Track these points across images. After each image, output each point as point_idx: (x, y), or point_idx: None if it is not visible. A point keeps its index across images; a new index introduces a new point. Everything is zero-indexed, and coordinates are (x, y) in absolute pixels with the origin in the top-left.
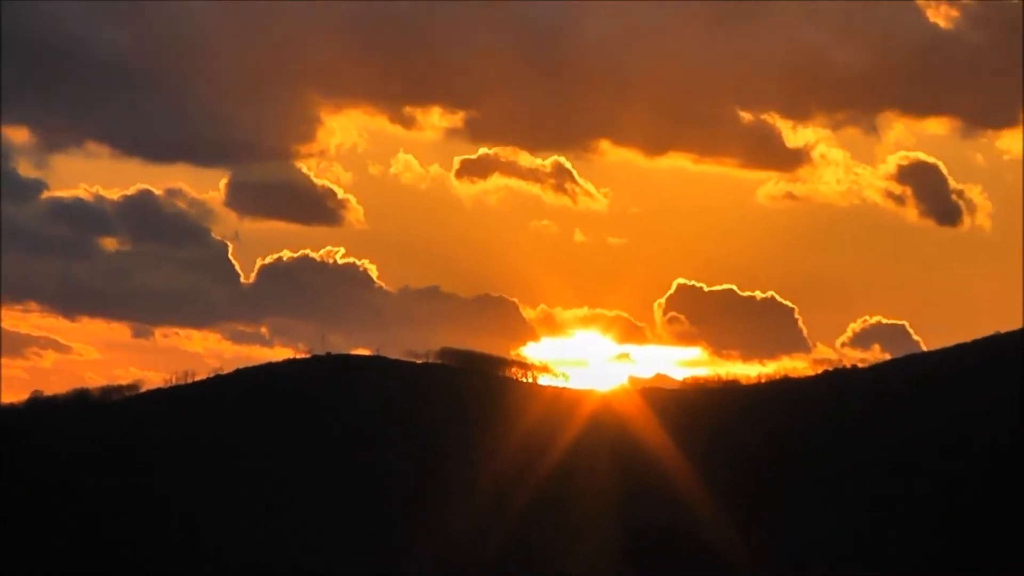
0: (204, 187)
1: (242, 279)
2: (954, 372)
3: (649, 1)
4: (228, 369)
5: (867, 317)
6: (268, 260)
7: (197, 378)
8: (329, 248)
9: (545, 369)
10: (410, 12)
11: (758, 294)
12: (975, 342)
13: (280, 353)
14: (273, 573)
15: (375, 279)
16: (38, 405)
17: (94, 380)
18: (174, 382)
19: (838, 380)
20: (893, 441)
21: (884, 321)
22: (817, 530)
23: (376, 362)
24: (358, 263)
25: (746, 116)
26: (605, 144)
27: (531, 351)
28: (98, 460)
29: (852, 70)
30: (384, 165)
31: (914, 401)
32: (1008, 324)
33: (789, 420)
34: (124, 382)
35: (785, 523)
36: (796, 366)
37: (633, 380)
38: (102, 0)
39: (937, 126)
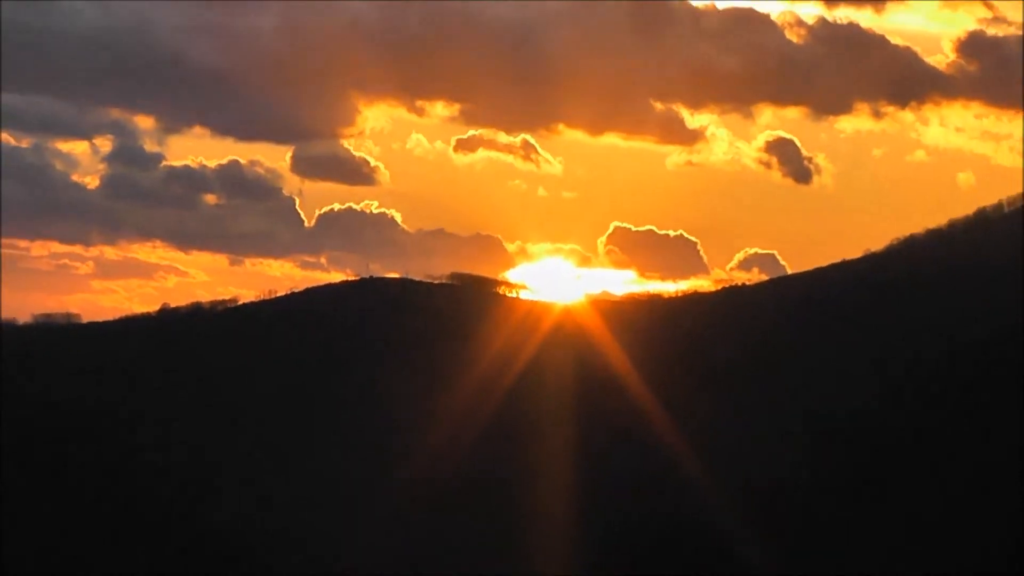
0: (276, 158)
1: (305, 224)
2: (812, 287)
3: (591, 27)
4: (299, 288)
5: (748, 249)
6: (324, 210)
7: (277, 294)
8: (367, 201)
9: (523, 287)
10: (421, 34)
11: (671, 232)
12: (827, 266)
13: (335, 276)
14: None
15: (400, 223)
16: (166, 314)
17: (204, 296)
18: (261, 297)
19: (732, 294)
20: (771, 338)
21: (760, 251)
22: (724, 410)
23: (404, 282)
24: (387, 212)
25: (659, 106)
26: (561, 126)
27: (512, 274)
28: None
29: (734, 73)
30: (403, 142)
31: (784, 308)
32: (849, 254)
33: (698, 323)
34: (226, 297)
35: (692, 403)
36: (701, 284)
37: (586, 295)
38: (202, 23)
39: (794, 113)
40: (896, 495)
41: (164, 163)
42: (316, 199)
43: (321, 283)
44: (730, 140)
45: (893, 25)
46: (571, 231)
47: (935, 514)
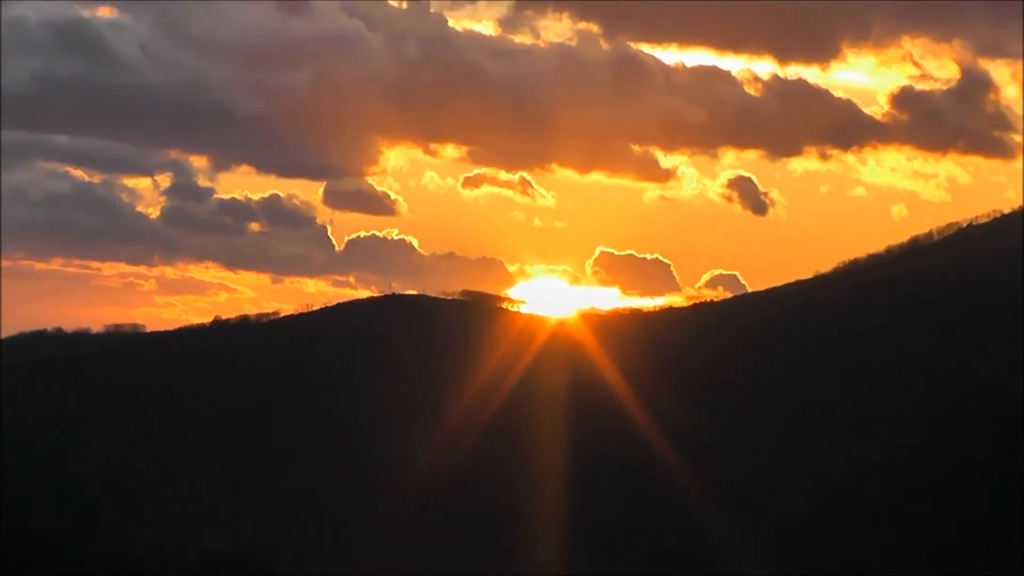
0: (310, 192)
1: (336, 248)
2: (768, 303)
3: (579, 81)
4: (331, 303)
5: (714, 270)
6: (351, 237)
7: (313, 308)
8: (388, 229)
9: (522, 302)
10: (434, 88)
11: (648, 256)
12: (782, 286)
13: (362, 293)
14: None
15: (417, 248)
16: (218, 325)
17: (251, 309)
18: (300, 311)
19: (701, 308)
20: (739, 344)
21: (724, 272)
22: (695, 408)
23: (421, 298)
24: (406, 238)
25: (637, 148)
26: (554, 165)
27: (513, 291)
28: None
29: (700, 121)
30: (419, 179)
31: (746, 319)
32: (801, 275)
33: (674, 332)
34: (269, 310)
35: (668, 402)
36: (675, 300)
37: (577, 310)
38: (247, 79)
39: (752, 154)
40: (865, 486)
41: (215, 196)
42: (345, 227)
43: (350, 299)
44: (698, 178)
45: (836, 81)
46: (563, 255)
47: (918, 511)
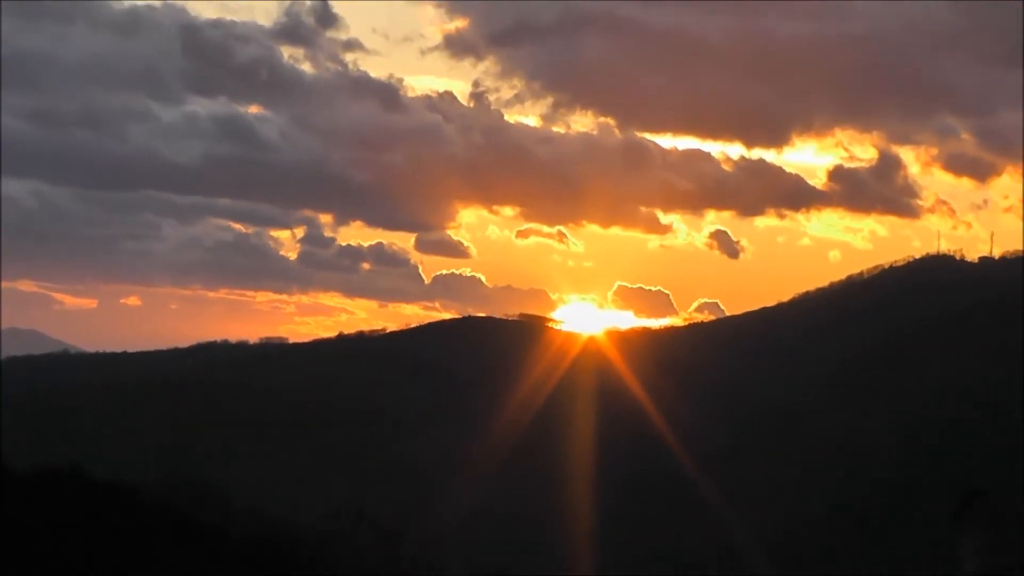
0: (405, 241)
1: (425, 282)
2: (743, 323)
3: (602, 161)
4: (424, 322)
5: (700, 299)
6: (436, 273)
7: (409, 326)
8: (463, 268)
9: (562, 322)
10: (496, 165)
11: (653, 288)
12: (751, 311)
13: (445, 315)
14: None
15: (484, 282)
16: (343, 338)
17: (365, 326)
18: (401, 327)
19: (696, 328)
20: (722, 353)
21: (708, 300)
22: (690, 398)
23: (489, 319)
24: (476, 275)
25: (644, 209)
26: (584, 221)
27: (556, 314)
28: (368, 360)
29: (689, 189)
30: (484, 231)
31: (727, 338)
32: (765, 304)
33: (677, 346)
34: (377, 327)
35: (670, 395)
36: (674, 321)
37: (603, 328)
38: (357, 157)
39: (728, 215)
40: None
41: (337, 244)
42: (431, 267)
43: (436, 320)
44: (688, 231)
45: (788, 160)
46: (591, 287)
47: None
